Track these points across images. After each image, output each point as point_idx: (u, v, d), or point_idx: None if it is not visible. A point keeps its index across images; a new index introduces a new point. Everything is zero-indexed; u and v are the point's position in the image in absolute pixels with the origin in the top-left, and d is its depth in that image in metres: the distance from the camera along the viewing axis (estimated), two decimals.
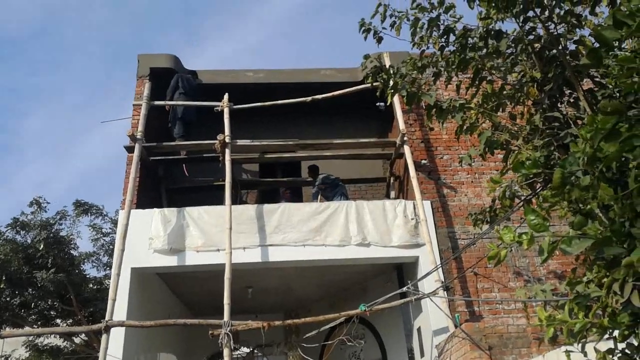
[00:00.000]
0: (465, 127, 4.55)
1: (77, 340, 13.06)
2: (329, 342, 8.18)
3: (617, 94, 4.06)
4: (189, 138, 8.83)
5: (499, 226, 5.61)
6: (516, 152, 4.50)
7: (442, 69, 4.86)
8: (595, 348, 2.00)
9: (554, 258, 7.56)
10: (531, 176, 4.77)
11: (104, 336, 6.10)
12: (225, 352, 6.02)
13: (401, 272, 8.39)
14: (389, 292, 6.73)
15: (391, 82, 4.68)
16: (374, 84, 5.39)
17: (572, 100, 4.62)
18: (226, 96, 8.28)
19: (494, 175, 8.14)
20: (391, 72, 4.62)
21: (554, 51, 4.45)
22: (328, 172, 9.06)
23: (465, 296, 7.08)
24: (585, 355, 2.03)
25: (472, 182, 8.09)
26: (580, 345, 1.97)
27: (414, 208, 7.59)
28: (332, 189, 8.59)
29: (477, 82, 4.91)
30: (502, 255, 1.95)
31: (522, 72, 4.98)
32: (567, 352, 2.08)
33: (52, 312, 12.24)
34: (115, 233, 12.80)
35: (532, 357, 5.76)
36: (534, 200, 4.98)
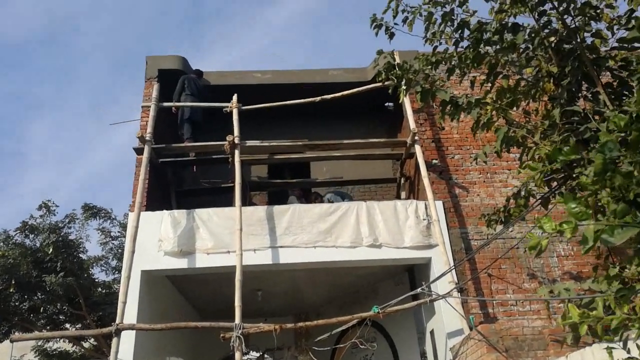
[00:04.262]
0: (481, 124, 4.45)
1: (86, 344, 13.01)
2: (340, 346, 8.08)
3: None
4: (197, 140, 8.79)
5: (522, 222, 5.52)
6: (534, 148, 4.41)
7: (456, 63, 4.78)
8: (637, 344, 1.90)
9: (568, 258, 7.43)
10: (549, 173, 4.69)
11: (114, 339, 6.03)
12: (237, 355, 5.93)
13: (412, 273, 8.28)
14: (400, 295, 6.61)
15: (404, 79, 4.61)
16: (387, 81, 5.32)
17: (589, 95, 4.53)
18: (235, 97, 8.23)
19: (506, 174, 8.04)
20: (405, 67, 4.55)
21: (572, 44, 4.36)
22: (338, 178, 8.96)
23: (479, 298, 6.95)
24: (629, 352, 1.92)
25: (484, 181, 7.98)
26: (622, 342, 1.87)
27: (426, 208, 7.48)
28: None
29: (491, 78, 4.83)
30: (543, 245, 1.86)
31: (537, 66, 4.90)
32: (609, 349, 1.98)
33: (61, 317, 12.19)
34: (124, 237, 12.77)
35: (548, 359, 5.63)
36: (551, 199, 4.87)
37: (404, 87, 4.85)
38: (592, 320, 1.97)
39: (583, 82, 4.42)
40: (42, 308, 11.55)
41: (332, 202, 8.54)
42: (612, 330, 1.85)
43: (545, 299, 3.92)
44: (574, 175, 4.09)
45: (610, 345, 1.94)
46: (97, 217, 12.78)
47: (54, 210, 12.17)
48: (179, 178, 9.55)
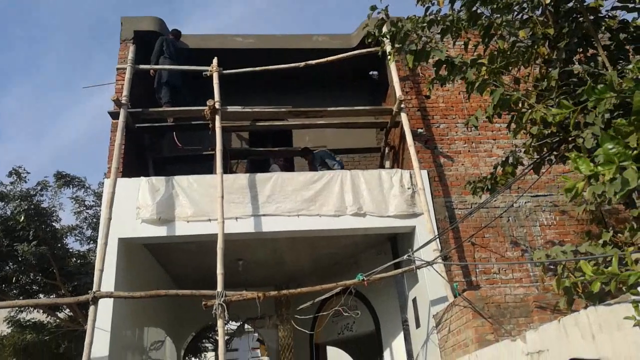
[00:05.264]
0: (476, 85, 4.31)
1: (61, 315, 12.73)
2: (322, 314, 8.06)
3: None
4: (175, 105, 8.47)
5: (506, 191, 5.43)
6: (529, 111, 4.30)
7: (450, 24, 4.61)
8: None
9: (551, 227, 7.47)
10: (541, 137, 4.60)
11: (91, 307, 5.83)
12: (219, 323, 5.82)
13: (395, 243, 8.24)
14: (382, 265, 6.56)
15: (397, 37, 4.42)
16: (376, 45, 5.13)
17: (583, 58, 4.43)
18: (215, 60, 7.90)
19: (491, 144, 7.99)
20: (398, 26, 4.35)
21: (570, 4, 4.23)
22: (321, 147, 8.77)
23: (463, 267, 6.95)
24: None
25: (469, 151, 7.92)
26: None
27: (411, 177, 7.41)
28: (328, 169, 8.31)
29: (486, 40, 4.69)
30: (579, 188, 1.74)
31: (532, 29, 4.76)
32: (635, 303, 1.89)
33: (34, 287, 11.82)
34: (98, 206, 12.41)
35: (530, 326, 5.66)
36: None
37: (394, 49, 4.66)
38: (606, 277, 1.89)
39: (580, 44, 4.31)
40: (14, 278, 11.17)
41: (324, 159, 8.37)
42: (627, 287, 1.77)
43: (542, 262, 3.86)
44: (570, 139, 4.01)
45: (636, 298, 1.86)
46: (71, 186, 12.32)
47: (25, 177, 11.71)
48: (157, 145, 9.24)
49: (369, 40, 5.14)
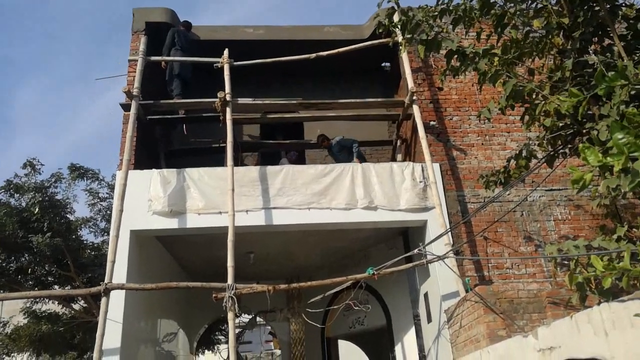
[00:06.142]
0: (489, 76, 4.22)
1: (76, 306, 12.90)
2: (333, 307, 8.03)
3: None
4: (186, 98, 8.47)
5: (519, 185, 5.33)
6: (542, 103, 4.20)
7: (462, 13, 4.51)
8: None
9: (565, 222, 7.34)
10: (555, 129, 4.49)
11: (103, 299, 5.88)
12: (229, 315, 5.82)
13: (406, 237, 8.17)
14: (394, 259, 6.50)
15: (407, 27, 4.34)
16: (387, 37, 5.05)
17: (599, 49, 4.31)
18: (226, 52, 7.88)
19: (504, 137, 7.87)
20: (408, 16, 4.27)
21: None
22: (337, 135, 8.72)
23: (475, 262, 6.86)
24: None
25: (482, 144, 7.79)
26: None
27: (423, 171, 7.32)
28: (349, 153, 8.24)
29: (499, 30, 4.58)
30: (587, 179, 1.67)
31: (546, 18, 4.64)
32: None
33: (49, 278, 11.99)
34: (112, 198, 12.51)
35: (543, 322, 5.57)
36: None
37: (405, 39, 4.58)
38: (617, 273, 1.82)
39: (596, 34, 4.19)
40: (29, 269, 11.33)
41: (342, 144, 8.29)
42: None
43: (554, 257, 3.75)
44: (584, 131, 3.91)
45: None
46: (84, 178, 12.45)
47: (39, 169, 11.84)
48: (168, 137, 9.26)
49: (380, 31, 5.06)
